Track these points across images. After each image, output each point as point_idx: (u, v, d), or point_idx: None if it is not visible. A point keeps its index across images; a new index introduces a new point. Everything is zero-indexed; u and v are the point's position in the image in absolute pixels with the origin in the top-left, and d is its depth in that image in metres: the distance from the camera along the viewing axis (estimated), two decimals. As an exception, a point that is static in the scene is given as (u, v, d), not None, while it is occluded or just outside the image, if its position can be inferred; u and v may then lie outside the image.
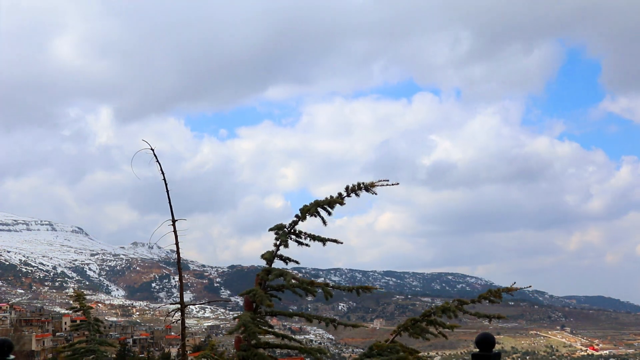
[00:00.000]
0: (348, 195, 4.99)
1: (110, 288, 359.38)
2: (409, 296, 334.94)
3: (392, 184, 4.89)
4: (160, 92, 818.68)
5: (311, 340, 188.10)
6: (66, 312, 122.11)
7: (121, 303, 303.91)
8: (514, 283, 5.10)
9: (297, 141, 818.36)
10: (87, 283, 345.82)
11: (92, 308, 9.12)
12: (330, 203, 4.97)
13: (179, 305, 8.30)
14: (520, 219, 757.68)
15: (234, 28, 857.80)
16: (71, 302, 9.12)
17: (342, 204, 4.99)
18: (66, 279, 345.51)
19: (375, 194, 4.93)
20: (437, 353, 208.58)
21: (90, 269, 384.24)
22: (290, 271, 4.83)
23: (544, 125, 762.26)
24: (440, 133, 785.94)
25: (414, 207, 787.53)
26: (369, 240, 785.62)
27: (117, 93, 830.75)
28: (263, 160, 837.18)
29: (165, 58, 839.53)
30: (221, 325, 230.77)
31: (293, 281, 4.70)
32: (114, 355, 57.16)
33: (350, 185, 4.99)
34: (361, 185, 4.96)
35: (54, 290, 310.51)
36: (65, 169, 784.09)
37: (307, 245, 5.01)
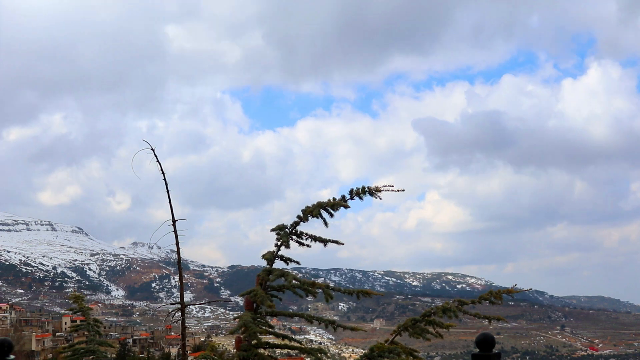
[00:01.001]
0: (351, 198, 5.01)
1: (110, 288, 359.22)
2: (409, 296, 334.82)
3: (397, 190, 4.90)
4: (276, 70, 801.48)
5: (311, 341, 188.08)
6: (66, 312, 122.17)
7: (121, 303, 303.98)
8: (515, 285, 5.09)
9: (371, 128, 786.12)
10: (87, 283, 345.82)
11: (91, 309, 9.12)
12: (333, 205, 4.99)
13: (179, 305, 8.30)
14: (576, 211, 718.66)
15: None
16: (71, 302, 9.12)
17: (346, 207, 5.01)
18: (66, 279, 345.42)
19: (380, 198, 4.93)
20: (437, 353, 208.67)
21: (90, 269, 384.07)
22: (291, 272, 4.83)
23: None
24: (553, 107, 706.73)
25: (476, 197, 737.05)
26: (401, 238, 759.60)
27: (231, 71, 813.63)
28: (330, 149, 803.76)
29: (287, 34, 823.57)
30: (221, 325, 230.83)
31: (294, 282, 4.71)
32: (114, 356, 57.16)
33: (355, 189, 5.01)
34: (365, 189, 4.97)
35: (54, 290, 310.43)
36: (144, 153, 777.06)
37: (308, 246, 5.03)
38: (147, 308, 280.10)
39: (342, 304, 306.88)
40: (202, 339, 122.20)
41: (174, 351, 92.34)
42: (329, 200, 5.02)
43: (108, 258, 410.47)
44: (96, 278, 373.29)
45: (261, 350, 4.75)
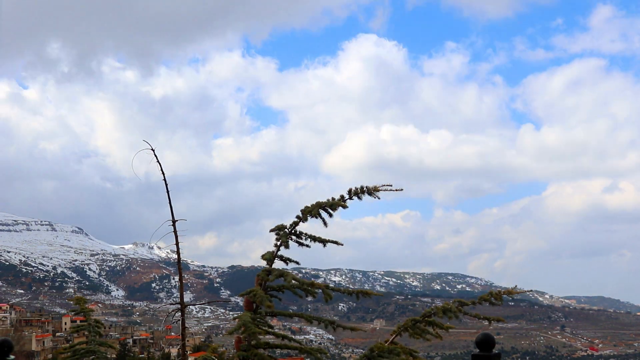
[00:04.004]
0: (350, 198, 5.00)
1: (110, 288, 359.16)
2: (409, 296, 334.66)
3: (396, 190, 4.89)
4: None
5: (311, 341, 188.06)
6: (67, 312, 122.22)
7: (121, 303, 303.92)
8: (515, 286, 5.07)
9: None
10: (87, 283, 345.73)
11: (93, 311, 9.11)
12: (332, 205, 4.98)
13: (179, 306, 8.28)
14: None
15: None
16: (71, 303, 9.11)
17: (344, 207, 5.00)
18: (66, 279, 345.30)
19: (379, 198, 4.92)
20: (437, 353, 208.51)
21: (90, 269, 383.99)
22: (291, 272, 4.83)
23: None
24: None
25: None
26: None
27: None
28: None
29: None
30: (221, 326, 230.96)
31: (293, 282, 4.70)
32: (114, 356, 57.12)
33: (353, 189, 5.00)
34: (364, 188, 4.97)
35: (54, 291, 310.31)
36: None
37: (307, 246, 5.02)
38: (147, 308, 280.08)
39: (342, 304, 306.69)
40: (202, 339, 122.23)
41: (174, 351, 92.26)
42: (328, 200, 5.02)
43: (108, 258, 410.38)
44: (96, 278, 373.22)
45: (261, 351, 4.75)
